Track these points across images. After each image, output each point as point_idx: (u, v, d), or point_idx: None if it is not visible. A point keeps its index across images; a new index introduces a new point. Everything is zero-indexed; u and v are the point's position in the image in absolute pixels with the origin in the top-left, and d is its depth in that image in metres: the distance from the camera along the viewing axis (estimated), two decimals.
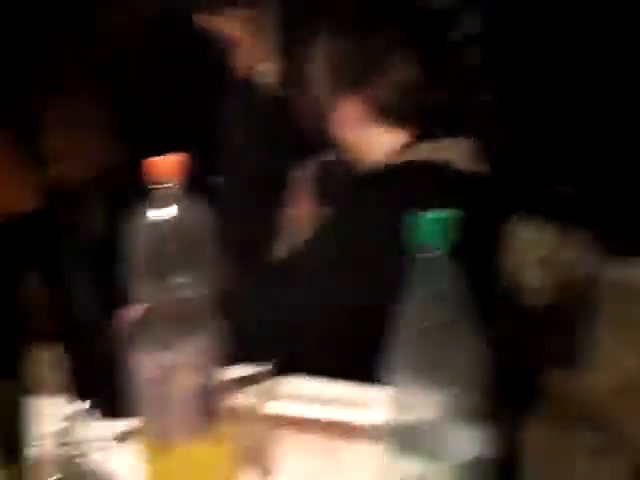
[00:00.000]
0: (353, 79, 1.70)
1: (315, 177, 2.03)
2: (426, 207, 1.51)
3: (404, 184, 1.60)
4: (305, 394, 1.07)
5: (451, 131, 1.69)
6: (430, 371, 0.73)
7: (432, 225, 0.73)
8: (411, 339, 0.74)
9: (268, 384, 1.10)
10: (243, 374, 1.11)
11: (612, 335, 2.60)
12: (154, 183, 0.98)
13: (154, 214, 0.98)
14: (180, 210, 0.98)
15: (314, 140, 1.91)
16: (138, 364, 0.98)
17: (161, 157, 0.98)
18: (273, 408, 1.06)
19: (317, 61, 1.80)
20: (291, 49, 5.41)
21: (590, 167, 2.67)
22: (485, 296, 1.66)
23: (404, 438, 0.76)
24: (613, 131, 2.82)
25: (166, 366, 0.97)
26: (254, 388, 1.10)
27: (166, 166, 0.98)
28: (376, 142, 1.70)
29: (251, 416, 1.06)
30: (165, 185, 0.98)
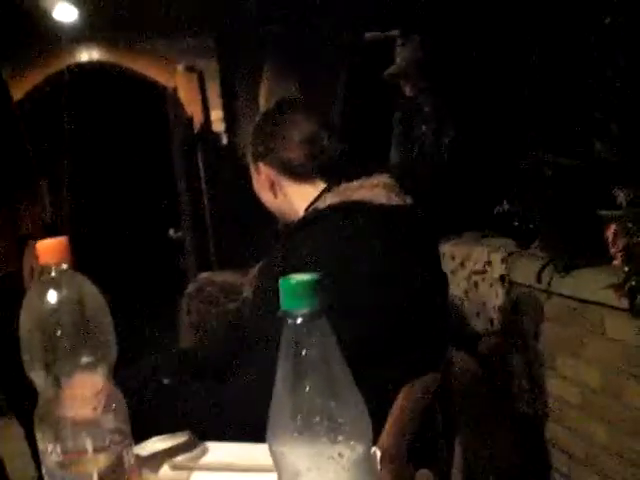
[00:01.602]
0: (262, 147, 1.78)
1: None
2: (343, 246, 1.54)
3: (319, 230, 1.62)
4: (225, 461, 1.06)
5: (360, 173, 1.72)
6: (309, 436, 0.72)
7: (295, 289, 0.73)
8: (286, 405, 0.73)
9: (186, 455, 1.09)
10: (160, 447, 1.09)
11: (571, 351, 2.61)
12: (44, 266, 0.97)
13: (46, 298, 0.96)
14: (71, 291, 0.97)
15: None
16: (43, 450, 0.96)
17: (48, 241, 0.97)
18: (193, 479, 1.04)
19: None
20: (235, 99, 5.40)
21: (527, 188, 2.69)
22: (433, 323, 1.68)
23: None
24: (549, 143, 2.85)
25: (73, 451, 0.95)
26: (173, 460, 1.08)
27: (53, 249, 0.97)
28: (292, 200, 1.76)
29: None
30: (55, 268, 0.97)
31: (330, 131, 1.75)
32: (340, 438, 0.72)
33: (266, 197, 1.82)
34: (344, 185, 1.69)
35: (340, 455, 0.72)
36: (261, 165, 1.78)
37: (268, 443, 0.74)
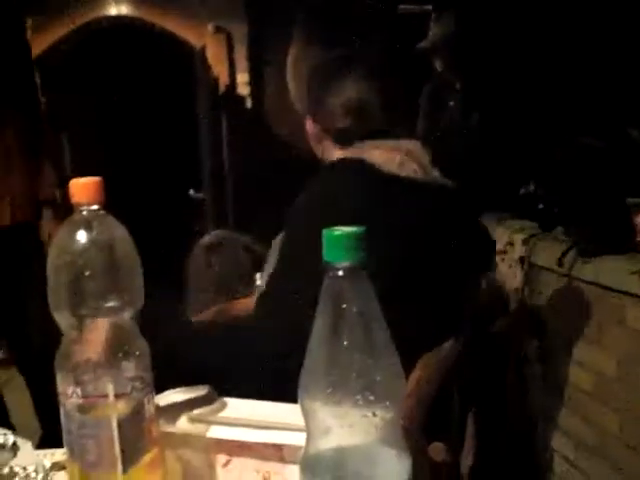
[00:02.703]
0: (311, 104, 1.75)
1: None
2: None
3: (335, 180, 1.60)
4: (243, 417, 1.04)
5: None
6: (343, 392, 0.70)
7: (337, 241, 0.70)
8: (322, 359, 0.71)
9: (204, 408, 1.07)
10: (179, 399, 1.08)
11: (589, 337, 2.59)
12: (76, 206, 0.95)
13: (76, 237, 0.94)
14: (102, 232, 0.95)
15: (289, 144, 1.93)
16: (63, 394, 0.94)
17: (81, 180, 0.95)
18: (210, 433, 1.02)
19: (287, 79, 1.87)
20: (262, 63, 5.39)
21: (555, 170, 2.65)
22: (450, 296, 1.66)
23: (322, 464, 0.73)
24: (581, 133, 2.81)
25: (93, 395, 0.94)
26: (191, 413, 1.07)
27: (86, 188, 0.95)
28: (329, 155, 1.74)
29: (188, 441, 1.03)
30: (87, 207, 0.95)
31: (378, 102, 1.71)
32: (375, 397, 0.70)
33: (315, 149, 1.80)
34: (364, 142, 1.65)
35: (374, 414, 0.70)
36: (310, 119, 1.76)
37: (300, 398, 0.72)
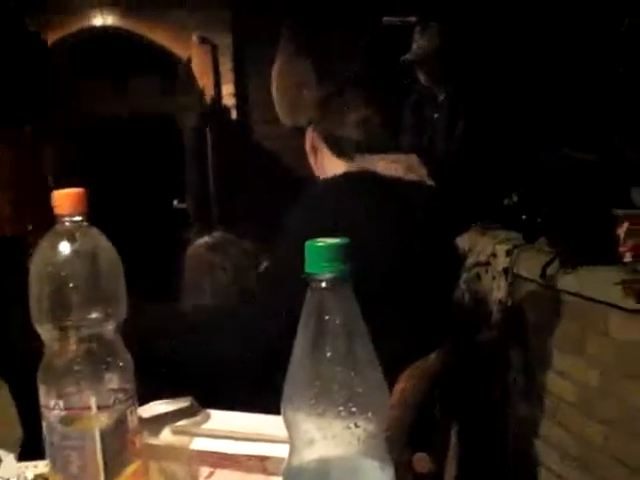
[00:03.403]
0: (318, 115, 1.78)
1: None
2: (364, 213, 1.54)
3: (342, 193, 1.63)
4: (226, 429, 1.04)
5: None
6: (326, 404, 0.70)
7: (320, 253, 0.70)
8: (304, 371, 0.71)
9: (188, 420, 1.07)
10: (162, 411, 1.08)
11: (572, 348, 2.59)
12: (59, 217, 0.95)
13: (59, 248, 0.94)
14: (85, 243, 0.95)
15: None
16: (45, 406, 0.94)
17: (65, 190, 0.95)
18: (194, 445, 1.02)
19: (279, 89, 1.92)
20: (248, 75, 5.36)
21: (540, 181, 2.67)
22: (437, 305, 1.68)
23: (305, 476, 0.73)
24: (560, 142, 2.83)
25: (76, 407, 0.94)
26: (174, 425, 1.06)
27: (69, 199, 0.95)
28: (326, 171, 1.77)
29: (171, 453, 1.03)
30: (70, 219, 0.95)
31: (383, 119, 1.75)
32: (358, 408, 0.70)
33: (310, 158, 1.84)
34: (366, 156, 1.70)
35: (357, 425, 0.70)
36: (310, 129, 1.80)
37: (283, 409, 0.72)
